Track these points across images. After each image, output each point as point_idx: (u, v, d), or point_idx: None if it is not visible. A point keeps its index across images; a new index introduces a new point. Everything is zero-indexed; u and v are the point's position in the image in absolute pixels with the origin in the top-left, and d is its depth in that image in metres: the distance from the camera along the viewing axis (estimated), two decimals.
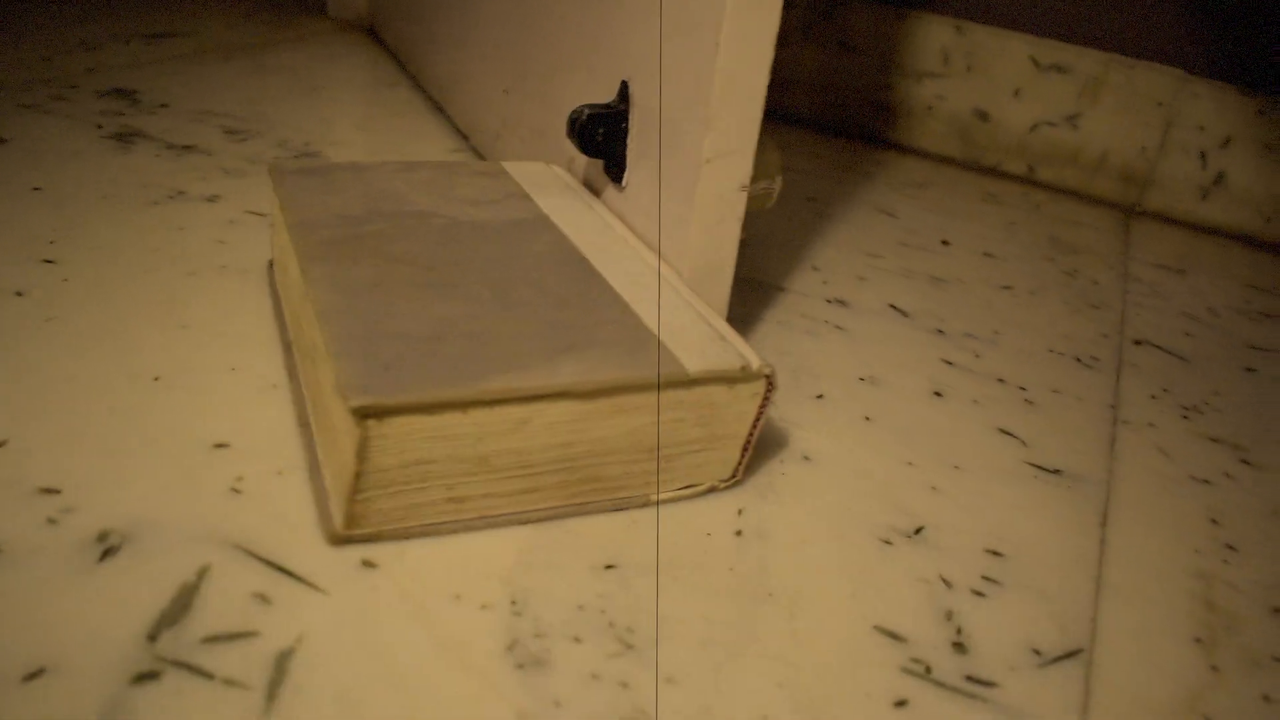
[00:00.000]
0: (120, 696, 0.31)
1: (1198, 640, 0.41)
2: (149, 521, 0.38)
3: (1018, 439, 0.53)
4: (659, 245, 0.53)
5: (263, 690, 0.32)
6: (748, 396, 0.42)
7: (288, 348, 0.50)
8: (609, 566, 0.39)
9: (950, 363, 0.60)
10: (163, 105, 0.80)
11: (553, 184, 0.57)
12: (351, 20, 1.13)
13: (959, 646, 0.38)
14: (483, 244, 0.48)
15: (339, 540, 0.38)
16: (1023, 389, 0.58)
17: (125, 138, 0.72)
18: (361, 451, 0.36)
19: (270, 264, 0.58)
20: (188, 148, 0.72)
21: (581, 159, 0.61)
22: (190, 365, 0.47)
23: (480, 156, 0.80)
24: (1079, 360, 0.63)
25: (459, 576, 0.37)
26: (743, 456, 0.44)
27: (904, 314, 0.65)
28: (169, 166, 0.69)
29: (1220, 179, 0.93)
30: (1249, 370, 0.66)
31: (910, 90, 1.02)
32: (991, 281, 0.73)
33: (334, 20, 1.13)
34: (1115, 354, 0.65)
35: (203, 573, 0.36)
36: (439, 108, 0.88)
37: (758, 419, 0.43)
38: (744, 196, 0.50)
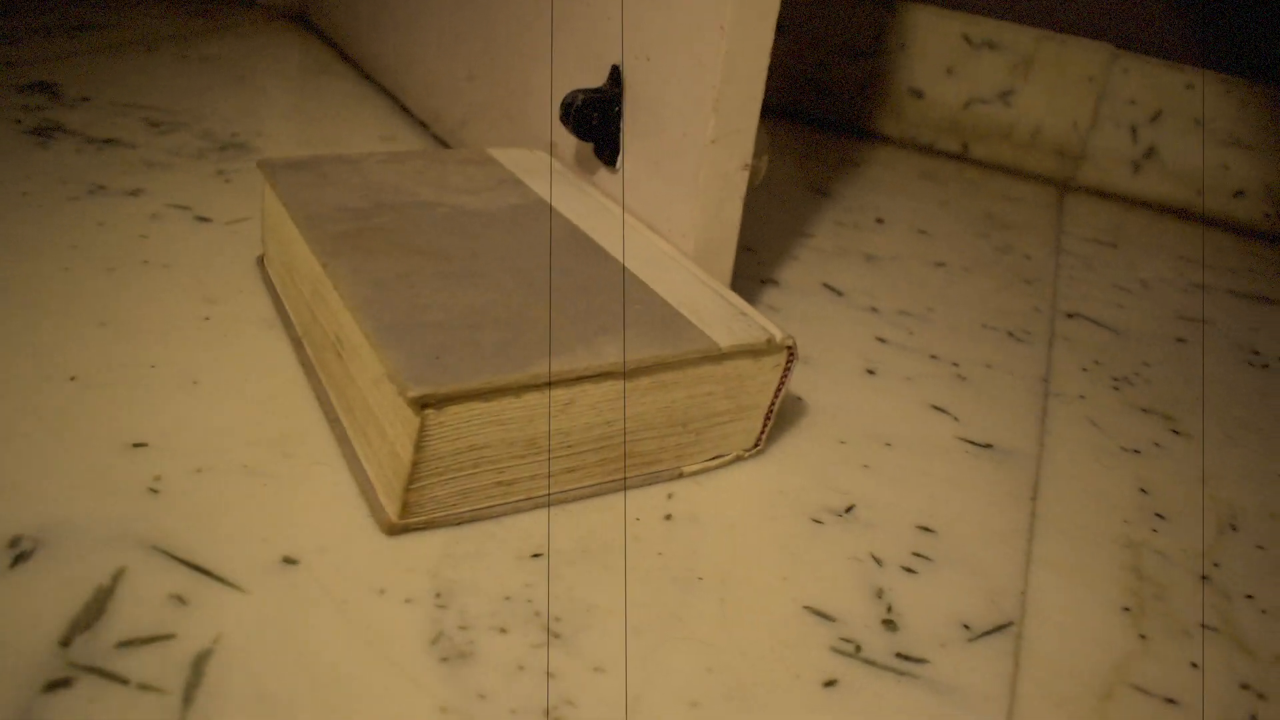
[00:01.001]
0: (31, 705, 0.30)
1: (1126, 609, 0.42)
2: (63, 525, 0.37)
3: (950, 415, 0.53)
4: (664, 225, 0.54)
5: (179, 693, 0.31)
6: (771, 367, 0.44)
7: (206, 345, 0.49)
8: (535, 555, 0.39)
9: (883, 340, 0.60)
10: (84, 99, 0.78)
11: (541, 169, 0.58)
12: (281, 8, 1.11)
13: (889, 624, 0.38)
14: (491, 231, 0.49)
15: (395, 530, 0.39)
16: (955, 365, 0.58)
17: (45, 132, 0.70)
18: (420, 440, 0.37)
19: (260, 259, 0.57)
20: (109, 141, 0.71)
21: (564, 143, 0.61)
22: (108, 363, 0.46)
23: (443, 143, 0.79)
24: (1011, 335, 0.63)
25: (383, 571, 0.37)
26: (765, 426, 0.46)
27: (837, 293, 0.65)
28: (90, 161, 0.67)
29: (1151, 153, 0.94)
30: (1179, 341, 0.67)
31: (844, 69, 1.02)
32: (925, 259, 0.73)
33: (263, 8, 1.11)
34: (1048, 327, 0.65)
35: (118, 575, 0.35)
36: (391, 95, 0.87)
37: (779, 389, 0.45)
38: (746, 175, 0.52)
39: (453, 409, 0.37)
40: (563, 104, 0.55)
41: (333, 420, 0.44)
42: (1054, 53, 0.94)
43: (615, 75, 0.55)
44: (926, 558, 0.42)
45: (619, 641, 0.35)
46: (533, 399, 0.39)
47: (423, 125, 0.83)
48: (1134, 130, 0.94)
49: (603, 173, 0.58)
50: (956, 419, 0.53)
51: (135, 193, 0.63)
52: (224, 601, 0.35)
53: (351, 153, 0.66)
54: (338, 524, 0.39)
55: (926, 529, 0.44)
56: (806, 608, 0.38)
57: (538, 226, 0.50)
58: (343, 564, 0.37)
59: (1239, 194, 0.93)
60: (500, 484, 0.40)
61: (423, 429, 0.36)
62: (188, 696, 0.31)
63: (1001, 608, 0.40)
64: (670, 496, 0.43)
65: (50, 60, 0.86)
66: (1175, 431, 0.56)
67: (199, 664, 0.32)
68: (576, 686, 0.33)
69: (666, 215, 0.53)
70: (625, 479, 0.43)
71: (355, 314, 0.40)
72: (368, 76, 0.92)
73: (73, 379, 0.45)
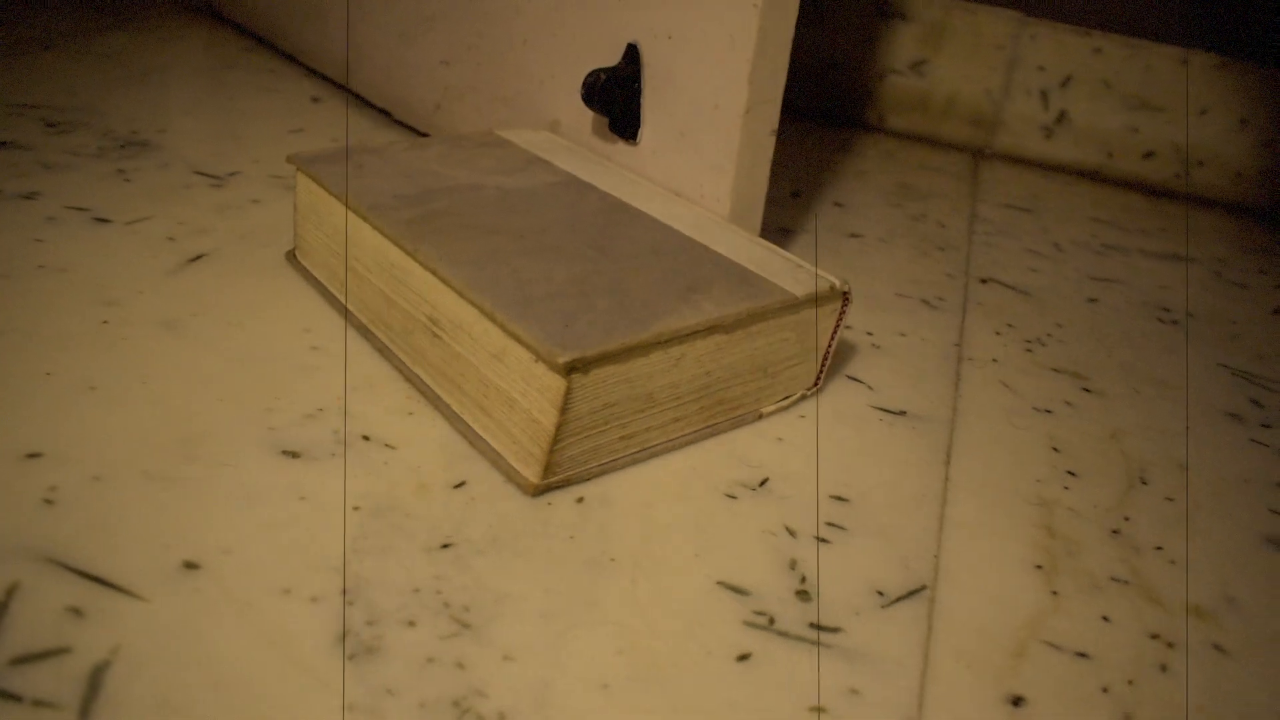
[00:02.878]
0: None
1: (1038, 567, 0.42)
2: None
3: (864, 384, 0.53)
4: (693, 192, 0.58)
5: (75, 708, 0.30)
6: (830, 313, 0.49)
7: (104, 349, 0.47)
8: (445, 546, 0.38)
9: None
10: None
11: (556, 147, 0.61)
12: (190, 0, 1.08)
13: (803, 595, 0.38)
14: (544, 208, 0.51)
15: (538, 491, 0.41)
16: (869, 334, 0.59)
17: None
18: (565, 403, 0.39)
19: (291, 253, 0.57)
20: (3, 144, 0.68)
21: (568, 121, 0.65)
22: (1, 371, 0.45)
23: (411, 128, 0.79)
24: (925, 302, 0.64)
25: (288, 570, 0.36)
26: (823, 365, 0.51)
27: None
28: None
29: (1062, 117, 0.95)
30: (1091, 301, 0.68)
31: None
32: (840, 230, 0.73)
33: (170, 2, 1.08)
34: (961, 294, 0.66)
35: (11, 590, 0.34)
36: (342, 86, 0.85)
37: (835, 330, 0.50)
38: (773, 141, 0.57)
39: (596, 371, 0.40)
40: (585, 83, 0.58)
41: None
42: (964, 22, 0.95)
43: (632, 54, 0.58)
44: (840, 527, 0.42)
45: (529, 629, 0.35)
46: (656, 356, 0.42)
47: (383, 113, 0.83)
48: (1045, 96, 0.95)
49: (619, 146, 0.61)
50: (871, 388, 0.53)
51: (31, 195, 0.61)
52: (123, 611, 0.34)
53: (373, 143, 0.67)
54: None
55: (840, 499, 0.44)
56: (720, 583, 0.38)
57: (583, 200, 0.53)
58: (245, 566, 0.36)
59: (1149, 155, 0.94)
60: (623, 438, 0.43)
61: (568, 392, 0.39)
62: (84, 710, 0.30)
63: (915, 572, 0.41)
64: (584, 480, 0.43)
65: None
66: (1086, 390, 0.57)
67: (96, 676, 0.31)
68: (487, 676, 0.33)
69: (696, 182, 0.57)
70: (715, 425, 0.47)
71: (469, 293, 0.42)
72: (307, 68, 0.90)
73: None
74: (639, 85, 0.59)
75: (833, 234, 0.72)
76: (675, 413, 0.45)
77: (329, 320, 0.52)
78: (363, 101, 0.85)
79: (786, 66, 0.54)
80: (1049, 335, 0.62)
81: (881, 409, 0.51)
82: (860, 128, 1.01)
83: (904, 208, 0.80)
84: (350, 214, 0.50)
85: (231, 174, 0.68)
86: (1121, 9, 0.92)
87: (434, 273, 0.44)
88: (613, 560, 0.39)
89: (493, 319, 0.41)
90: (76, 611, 0.34)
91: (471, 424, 0.44)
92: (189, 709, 0.31)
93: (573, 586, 0.37)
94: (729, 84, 0.54)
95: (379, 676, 0.32)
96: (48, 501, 0.38)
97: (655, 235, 0.50)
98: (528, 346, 0.40)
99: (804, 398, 0.51)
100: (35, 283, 0.52)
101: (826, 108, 1.02)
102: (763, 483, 0.44)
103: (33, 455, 0.40)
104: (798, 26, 1.00)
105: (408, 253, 0.46)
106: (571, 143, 0.63)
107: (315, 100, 0.83)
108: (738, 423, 0.48)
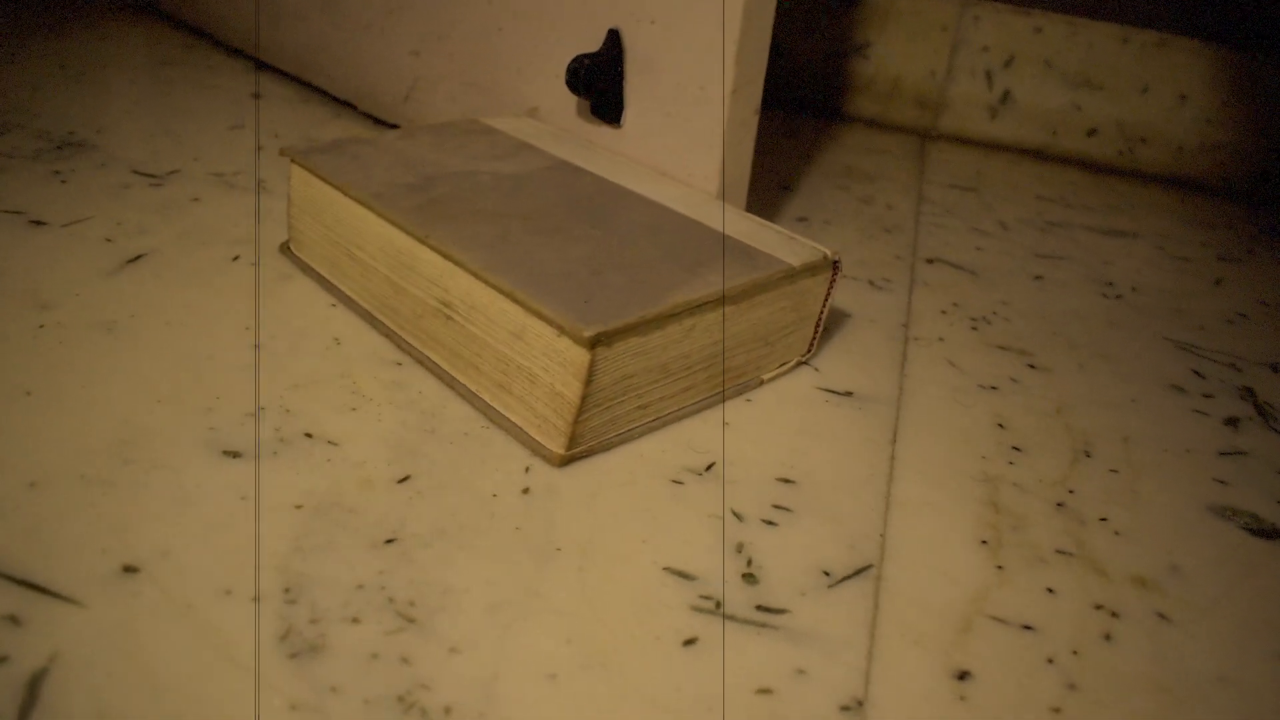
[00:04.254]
0: None
1: (984, 542, 0.42)
2: None
3: (810, 366, 0.54)
4: (680, 172, 0.60)
5: (13, 717, 0.30)
6: (822, 281, 0.51)
7: (39, 354, 0.47)
8: (389, 541, 0.38)
9: None
10: None
11: (541, 133, 0.62)
12: None
13: (749, 578, 0.39)
14: (541, 192, 0.53)
15: (564, 461, 0.43)
16: None
17: None
18: (589, 376, 0.41)
19: (285, 245, 0.58)
20: None
21: (548, 107, 0.66)
22: None
23: (378, 119, 0.79)
24: (872, 283, 0.64)
25: (228, 571, 0.36)
26: (816, 332, 0.53)
27: None
28: None
29: (1006, 97, 0.96)
30: (1036, 278, 0.69)
31: None
32: (787, 214, 0.74)
33: None
34: (908, 274, 0.66)
35: None
36: (297, 78, 0.84)
37: (827, 298, 0.52)
38: (757, 120, 0.59)
39: (618, 344, 0.41)
40: (569, 69, 0.59)
41: (449, 381, 0.47)
42: (908, 4, 0.95)
43: (615, 39, 0.59)
44: (787, 509, 0.43)
45: (475, 621, 0.35)
46: (671, 328, 0.44)
47: (347, 105, 0.83)
48: (989, 76, 0.96)
49: (601, 130, 0.63)
50: (817, 370, 0.53)
51: None
52: (60, 618, 0.33)
53: (364, 134, 0.68)
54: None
55: (787, 480, 0.44)
56: (666, 569, 0.38)
57: (577, 183, 0.55)
58: (184, 568, 0.36)
59: (1093, 133, 0.95)
60: (639, 408, 0.45)
61: (592, 364, 0.41)
62: (22, 719, 0.30)
63: (861, 552, 0.41)
64: (528, 470, 0.43)
65: None
66: (1032, 366, 0.57)
67: (33, 685, 0.31)
68: (432, 670, 0.33)
69: (684, 163, 0.59)
70: (721, 392, 0.49)
71: (486, 275, 0.43)
72: (258, 61, 0.89)
73: None
74: (622, 70, 0.60)
75: (780, 217, 0.73)
76: (686, 382, 0.47)
77: (295, 313, 0.51)
78: (323, 94, 0.84)
79: (769, 45, 0.57)
80: (994, 314, 0.63)
81: (828, 390, 0.52)
82: (806, 111, 1.01)
83: (851, 190, 0.80)
84: (350, 204, 0.51)
85: (171, 173, 0.67)
86: None
87: (447, 257, 0.45)
88: (559, 550, 0.39)
89: (513, 298, 0.42)
90: (13, 620, 0.33)
91: (491, 402, 0.46)
92: (129, 715, 0.30)
93: (518, 577, 0.37)
94: (715, 65, 0.56)
95: (323, 674, 0.32)
96: None
97: (651, 214, 0.52)
98: (551, 323, 0.41)
99: (800, 364, 0.53)
100: None
101: (772, 91, 1.02)
102: (709, 467, 0.45)
103: None
104: None
105: (418, 239, 0.47)
106: (555, 128, 0.64)
107: (256, 96, 0.82)
108: (742, 389, 0.50)
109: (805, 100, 1.01)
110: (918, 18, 0.95)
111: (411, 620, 0.35)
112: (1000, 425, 0.51)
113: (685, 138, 0.58)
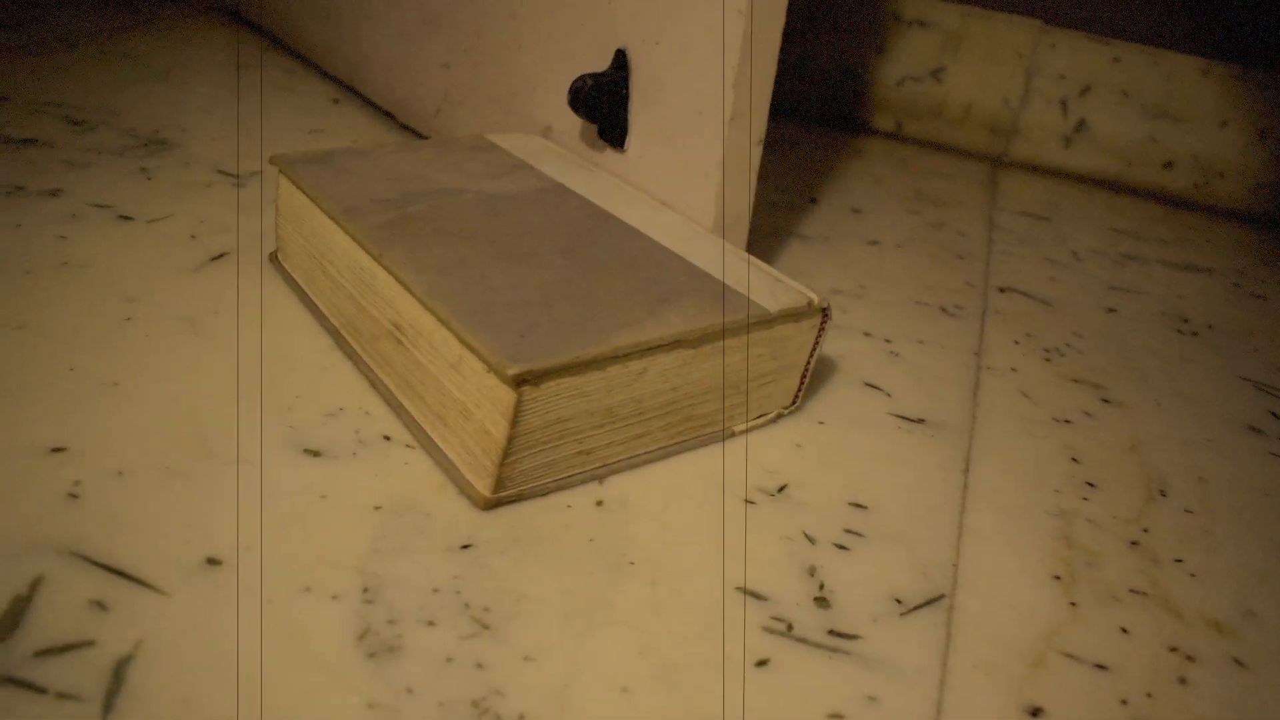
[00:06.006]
0: None
1: (1057, 578, 0.42)
2: None
3: (882, 391, 0.53)
4: (679, 201, 0.57)
5: (99, 701, 0.31)
6: (808, 329, 0.47)
7: (127, 346, 0.48)
8: (465, 547, 0.38)
9: None
10: (2, 98, 0.76)
11: (545, 153, 0.60)
12: (212, 1, 1.09)
13: (821, 601, 0.38)
14: (524, 214, 0.51)
15: (489, 504, 0.40)
16: (888, 341, 0.59)
17: None
18: (516, 416, 0.38)
19: (273, 255, 0.57)
20: (27, 141, 0.69)
21: (560, 126, 0.63)
22: (26, 367, 0.45)
23: (414, 131, 0.79)
24: (944, 310, 0.64)
25: (309, 568, 0.36)
26: (801, 384, 0.49)
27: None
28: (7, 162, 0.65)
29: (1081, 126, 0.95)
30: (1110, 311, 0.68)
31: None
32: (858, 237, 0.73)
33: (191, 2, 1.09)
34: (980, 302, 0.66)
35: (36, 583, 0.34)
36: (346, 87, 0.86)
37: (814, 348, 0.48)
38: (760, 150, 0.55)
39: (547, 384, 0.38)
40: (571, 89, 0.57)
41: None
42: (981, 29, 0.95)
43: (620, 59, 0.57)
44: (859, 534, 0.42)
45: (548, 630, 0.35)
46: (614, 370, 0.40)
47: (388, 115, 0.82)
48: (1064, 104, 0.95)
49: (608, 153, 0.60)
50: (889, 395, 0.53)
51: (54, 193, 0.62)
52: (146, 606, 0.34)
53: (362, 145, 0.67)
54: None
55: (859, 505, 0.44)
56: (738, 588, 0.38)
57: (565, 207, 0.52)
58: (267, 563, 0.36)
59: (1168, 165, 0.94)
60: (580, 453, 0.42)
61: (519, 405, 0.38)
62: (108, 704, 0.30)
63: (933, 580, 0.40)
64: (601, 482, 0.43)
65: None
66: (1105, 400, 0.56)
67: (120, 670, 0.32)
68: (505, 676, 0.33)
69: (683, 191, 0.56)
70: (683, 442, 0.46)
71: (428, 300, 0.41)
72: (321, 70, 0.90)
73: None
74: (627, 91, 0.58)
75: (850, 240, 0.72)
76: (638, 429, 0.43)
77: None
78: (373, 105, 0.85)
79: (774, 75, 0.53)
80: (1068, 345, 0.62)
81: (900, 416, 0.51)
82: (877, 134, 1.00)
83: (922, 214, 0.80)
84: (325, 217, 0.49)
85: (252, 173, 0.68)
86: (1142, 18, 0.92)
87: (397, 278, 0.43)
88: (631, 564, 0.39)
89: (449, 327, 0.40)
90: (100, 605, 0.34)
91: (430, 433, 0.43)
92: (210, 705, 0.31)
93: (591, 588, 0.37)
94: (714, 91, 0.53)
95: (399, 676, 0.33)
96: (71, 496, 0.38)
97: (633, 245, 0.49)
98: (480, 356, 0.39)
99: (780, 416, 0.49)
100: (58, 279, 0.52)
101: (843, 114, 1.02)
102: (781, 489, 0.44)
103: (56, 450, 0.40)
104: (813, 34, 1.00)
105: (373, 257, 0.45)
106: (562, 148, 0.62)
107: (335, 102, 0.84)
108: (707, 440, 0.46)
109: (875, 123, 1.01)
110: (992, 43, 0.95)
111: (486, 626, 0.35)
112: (1074, 459, 0.50)
113: (684, 166, 0.55)
